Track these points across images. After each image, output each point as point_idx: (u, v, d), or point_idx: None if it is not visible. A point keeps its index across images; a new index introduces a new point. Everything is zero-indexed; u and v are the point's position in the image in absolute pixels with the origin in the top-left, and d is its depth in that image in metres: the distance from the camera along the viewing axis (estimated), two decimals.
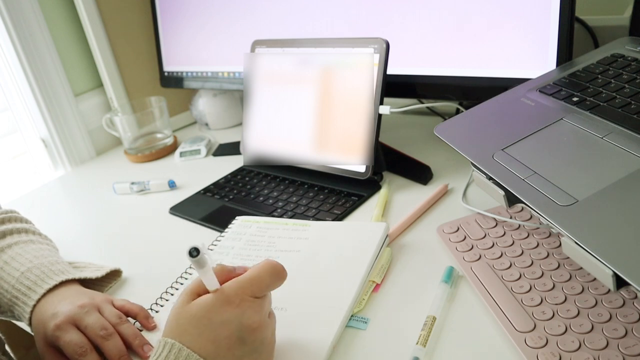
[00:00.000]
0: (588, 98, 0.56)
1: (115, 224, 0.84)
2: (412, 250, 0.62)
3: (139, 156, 1.06)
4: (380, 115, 0.74)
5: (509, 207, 0.57)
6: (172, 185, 0.91)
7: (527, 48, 0.69)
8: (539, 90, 0.61)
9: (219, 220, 0.76)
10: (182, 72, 1.10)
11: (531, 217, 0.61)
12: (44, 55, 1.02)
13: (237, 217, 0.73)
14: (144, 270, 0.69)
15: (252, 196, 0.81)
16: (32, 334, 0.57)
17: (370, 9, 0.82)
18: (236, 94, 1.15)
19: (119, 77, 1.13)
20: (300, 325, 0.52)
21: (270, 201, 0.78)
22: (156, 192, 0.91)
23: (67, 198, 0.99)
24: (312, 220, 0.71)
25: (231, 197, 0.82)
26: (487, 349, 0.47)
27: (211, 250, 0.67)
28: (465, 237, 0.60)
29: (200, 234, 0.75)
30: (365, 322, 0.52)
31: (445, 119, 0.82)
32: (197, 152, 1.03)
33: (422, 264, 0.59)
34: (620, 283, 0.39)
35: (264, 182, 0.84)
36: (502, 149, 0.53)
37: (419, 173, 0.77)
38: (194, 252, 0.42)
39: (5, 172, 1.05)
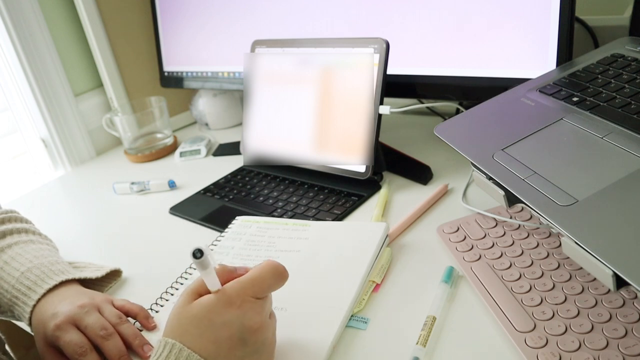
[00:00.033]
0: (588, 98, 0.56)
1: (115, 224, 0.84)
2: (412, 250, 0.62)
3: (139, 156, 1.06)
4: (380, 115, 0.74)
5: (509, 207, 0.57)
6: (172, 185, 0.91)
7: (527, 48, 0.69)
8: (539, 90, 0.61)
9: (219, 220, 0.76)
10: (182, 72, 1.09)
11: (531, 217, 0.61)
12: (44, 55, 1.02)
13: (237, 217, 0.73)
14: (144, 270, 0.69)
15: (252, 196, 0.81)
16: (32, 334, 0.57)
17: (370, 9, 0.82)
18: (236, 94, 1.15)
19: (119, 77, 1.13)
20: (300, 325, 0.52)
21: (270, 201, 0.78)
22: (156, 192, 0.91)
23: (67, 198, 0.99)
24: (312, 220, 0.71)
25: (231, 197, 0.82)
26: (487, 349, 0.47)
27: (211, 250, 0.67)
28: (465, 237, 0.60)
29: (200, 234, 0.75)
30: (365, 322, 0.52)
31: (445, 119, 0.82)
32: (197, 152, 1.03)
33: (422, 264, 0.59)
34: (620, 283, 0.39)
35: (264, 182, 0.84)
36: (502, 149, 0.53)
37: (419, 173, 0.77)
38: (198, 254, 0.42)
39: (5, 172, 1.05)
